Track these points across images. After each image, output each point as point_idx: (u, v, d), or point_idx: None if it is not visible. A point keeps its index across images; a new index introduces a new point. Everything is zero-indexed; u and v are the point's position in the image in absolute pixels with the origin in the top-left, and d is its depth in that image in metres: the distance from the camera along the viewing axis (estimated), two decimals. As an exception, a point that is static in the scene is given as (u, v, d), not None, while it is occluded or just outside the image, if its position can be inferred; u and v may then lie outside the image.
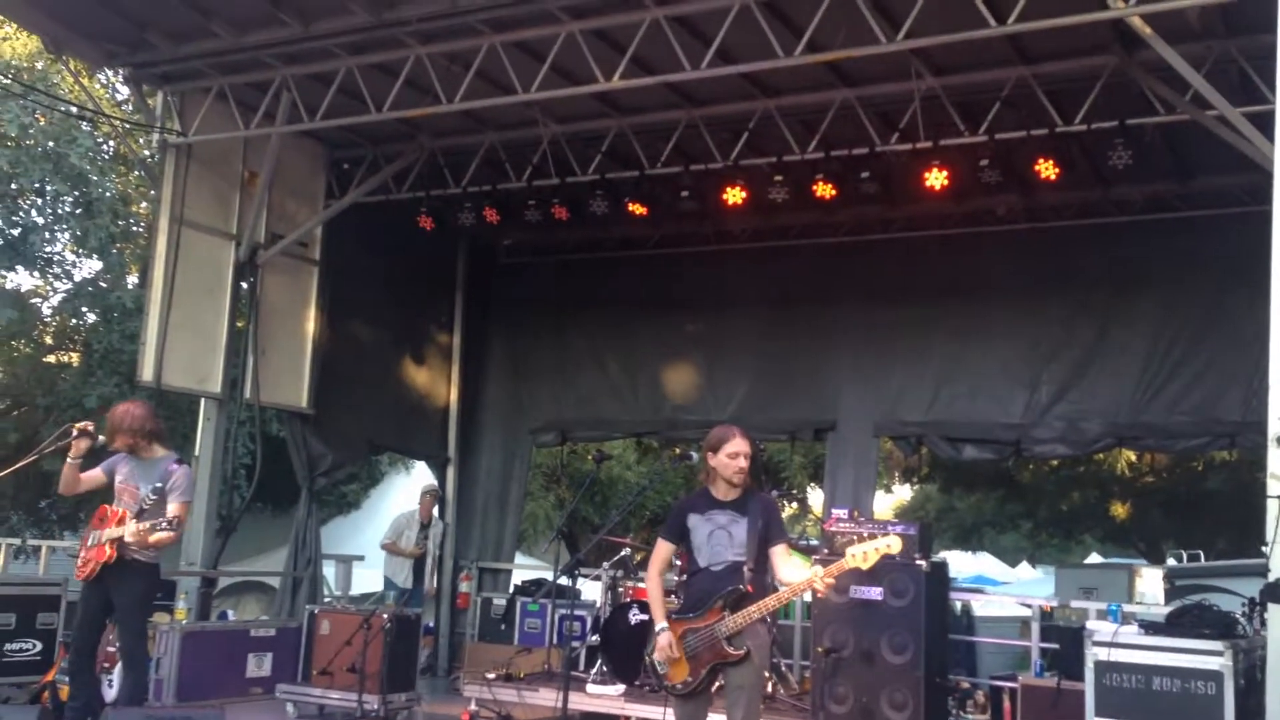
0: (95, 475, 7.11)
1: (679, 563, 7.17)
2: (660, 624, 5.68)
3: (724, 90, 9.76)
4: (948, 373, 11.48)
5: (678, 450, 14.07)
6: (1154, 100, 8.65)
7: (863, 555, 5.40)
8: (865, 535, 7.90)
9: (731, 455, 5.66)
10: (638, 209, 10.97)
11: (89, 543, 7.00)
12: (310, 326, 11.82)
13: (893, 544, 5.41)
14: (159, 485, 6.91)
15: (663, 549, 5.92)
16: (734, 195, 10.38)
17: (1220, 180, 10.07)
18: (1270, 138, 6.50)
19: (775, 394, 12.28)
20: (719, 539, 5.65)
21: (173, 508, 6.83)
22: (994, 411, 11.24)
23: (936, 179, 9.45)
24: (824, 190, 9.93)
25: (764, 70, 8.92)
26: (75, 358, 18.33)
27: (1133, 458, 21.33)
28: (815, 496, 26.46)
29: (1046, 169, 9.12)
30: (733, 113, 10.17)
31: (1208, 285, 10.40)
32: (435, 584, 12.98)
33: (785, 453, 22.16)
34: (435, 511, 13.04)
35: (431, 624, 12.62)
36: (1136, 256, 10.80)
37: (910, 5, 7.65)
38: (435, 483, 13.59)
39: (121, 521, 6.85)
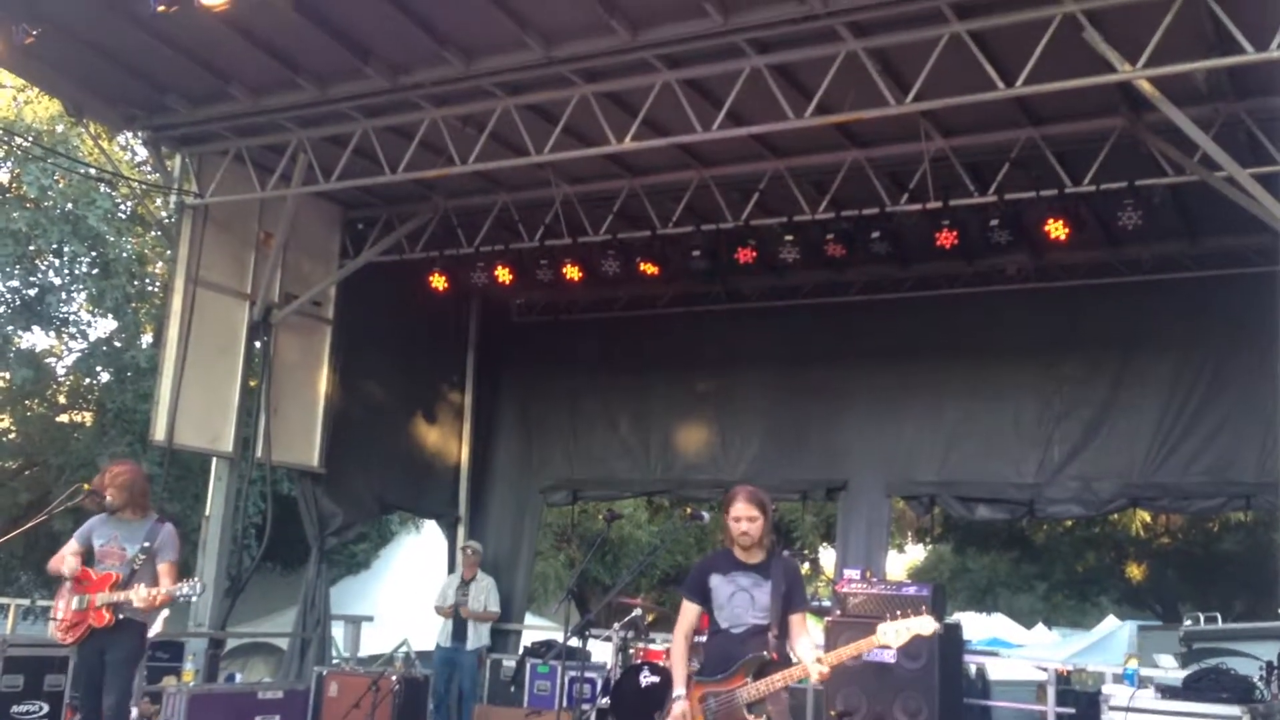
0: (74, 549, 7.04)
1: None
2: (679, 690, 5.58)
3: (735, 151, 9.84)
4: (960, 432, 11.45)
5: (689, 510, 13.98)
6: (1163, 161, 8.70)
7: (894, 634, 5.20)
8: (879, 595, 7.84)
9: (734, 519, 5.61)
10: (649, 268, 11.01)
11: (73, 605, 6.90)
12: (323, 385, 11.86)
13: (925, 626, 5.15)
14: (147, 545, 6.91)
15: (689, 612, 5.78)
16: (745, 255, 10.42)
17: (1230, 240, 10.09)
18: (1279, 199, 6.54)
19: (786, 453, 12.25)
20: (740, 601, 5.57)
21: (163, 568, 6.88)
22: (1007, 471, 11.19)
23: (947, 239, 9.48)
24: (835, 250, 9.98)
25: (774, 131, 9.02)
26: (88, 417, 18.38)
27: (1148, 518, 21.19)
28: (827, 556, 26.29)
29: (1056, 229, 9.15)
30: (744, 173, 10.25)
31: (1219, 345, 10.39)
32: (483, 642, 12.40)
33: (797, 512, 22.00)
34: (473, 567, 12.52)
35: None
36: (1147, 316, 10.80)
37: (919, 68, 7.74)
38: (477, 542, 13.11)
39: (115, 586, 6.83)
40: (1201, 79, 7.72)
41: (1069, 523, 21.10)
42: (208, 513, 10.93)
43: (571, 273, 11.12)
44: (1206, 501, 10.78)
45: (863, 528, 11.70)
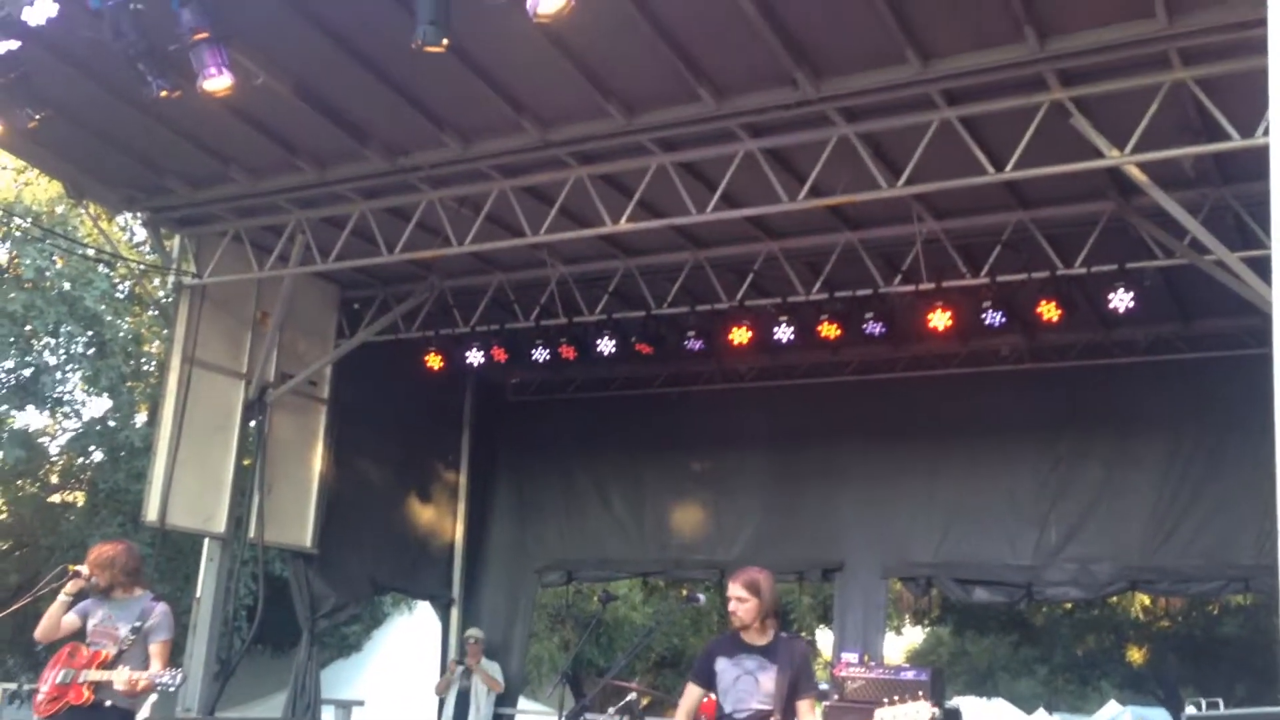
0: (72, 620, 6.97)
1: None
2: None
3: (729, 232, 9.94)
4: (956, 513, 11.42)
5: (685, 591, 13.86)
6: (1153, 245, 8.78)
7: None
8: (877, 680, 7.74)
9: (727, 600, 5.60)
10: (644, 349, 11.04)
11: (57, 679, 6.72)
12: (317, 464, 11.81)
13: (923, 713, 5.10)
14: (138, 624, 6.80)
15: (691, 694, 5.74)
16: (740, 335, 10.45)
17: (1223, 322, 10.17)
18: (1269, 282, 6.59)
19: (782, 534, 12.18)
20: (745, 685, 5.50)
21: (155, 648, 6.74)
22: (1004, 552, 11.14)
23: (940, 320, 9.54)
24: (829, 330, 10.03)
25: (768, 214, 9.12)
26: (80, 497, 18.27)
27: (1148, 601, 21.02)
28: (824, 638, 26.00)
29: (1049, 311, 9.21)
30: (738, 254, 10.34)
31: (1215, 427, 10.42)
32: None
33: (793, 593, 21.84)
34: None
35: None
36: (1141, 397, 10.83)
37: (910, 152, 7.85)
38: (479, 630, 13.11)
39: (103, 664, 6.70)
40: (1189, 164, 7.83)
41: (1068, 605, 20.90)
42: (198, 594, 10.81)
43: (566, 352, 11.14)
44: (1205, 584, 10.72)
45: (859, 609, 11.59)
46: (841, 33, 7.14)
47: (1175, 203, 7.67)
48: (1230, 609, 20.56)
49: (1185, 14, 6.57)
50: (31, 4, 6.29)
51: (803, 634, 25.37)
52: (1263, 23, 4.61)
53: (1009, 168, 7.65)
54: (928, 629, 30.30)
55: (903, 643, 32.81)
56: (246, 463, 11.29)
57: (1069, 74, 7.18)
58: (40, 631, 6.94)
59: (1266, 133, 4.77)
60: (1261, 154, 6.48)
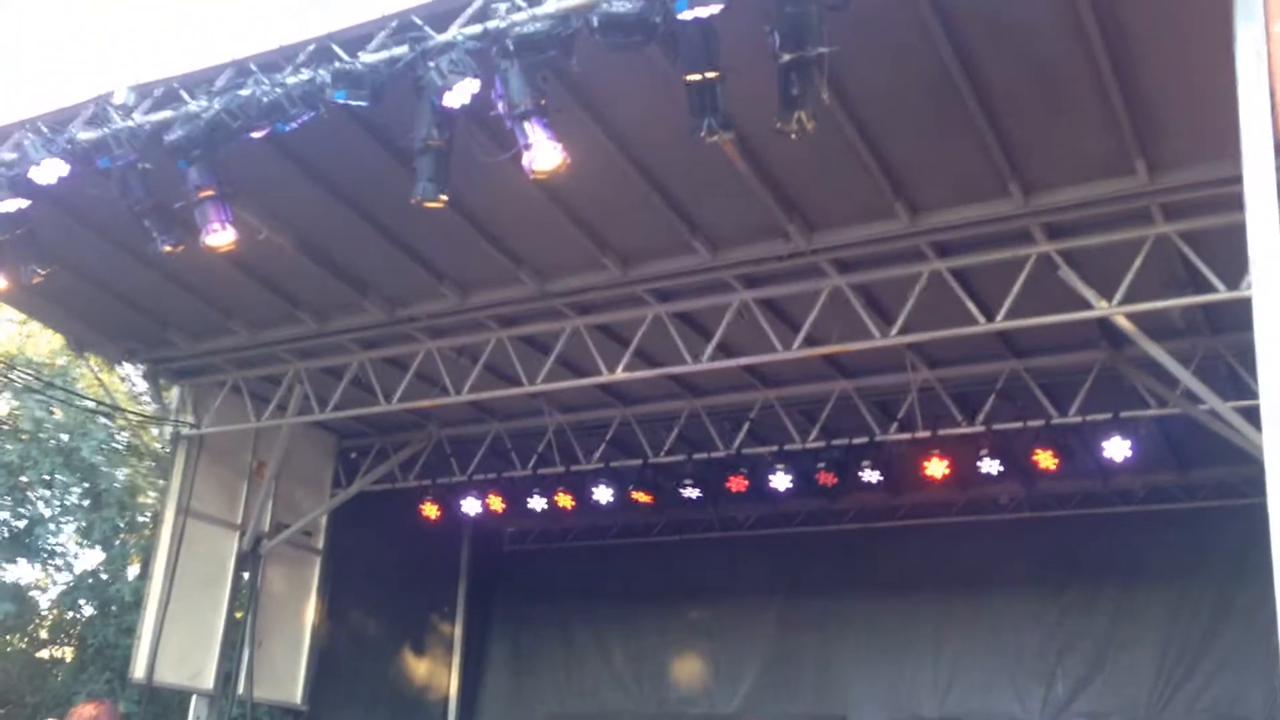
0: None
1: None
2: None
3: (725, 381, 10.00)
4: (960, 664, 11.21)
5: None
6: (1146, 394, 8.82)
7: None
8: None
9: None
10: (642, 497, 11.00)
11: None
12: (310, 617, 11.63)
13: None
14: None
15: None
16: (737, 484, 10.43)
17: (1221, 471, 10.15)
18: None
19: (782, 685, 11.94)
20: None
21: None
22: (1011, 706, 10.91)
23: (937, 468, 9.54)
24: (826, 479, 10.02)
25: (763, 363, 9.18)
26: (69, 653, 17.88)
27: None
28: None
29: (1045, 459, 9.20)
30: (734, 402, 10.38)
31: (1217, 577, 10.32)
32: None
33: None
34: None
35: None
36: (1142, 548, 10.74)
37: (902, 302, 7.95)
38: None
39: None
40: (1178, 315, 7.91)
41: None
42: (184, 753, 10.52)
43: (564, 501, 11.11)
44: (1215, 740, 10.45)
45: (864, 765, 11.29)
46: (832, 187, 7.30)
47: (1166, 353, 7.73)
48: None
49: (1165, 171, 6.74)
50: (40, 164, 6.43)
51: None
52: (1239, 179, 4.73)
53: (999, 318, 7.73)
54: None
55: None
56: (238, 615, 11.10)
57: (1055, 228, 7.32)
58: None
59: (1250, 286, 4.81)
60: (1248, 306, 6.57)
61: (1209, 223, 6.86)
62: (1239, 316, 7.17)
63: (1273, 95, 4.69)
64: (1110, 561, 10.89)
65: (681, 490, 10.80)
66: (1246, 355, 7.90)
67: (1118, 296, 7.31)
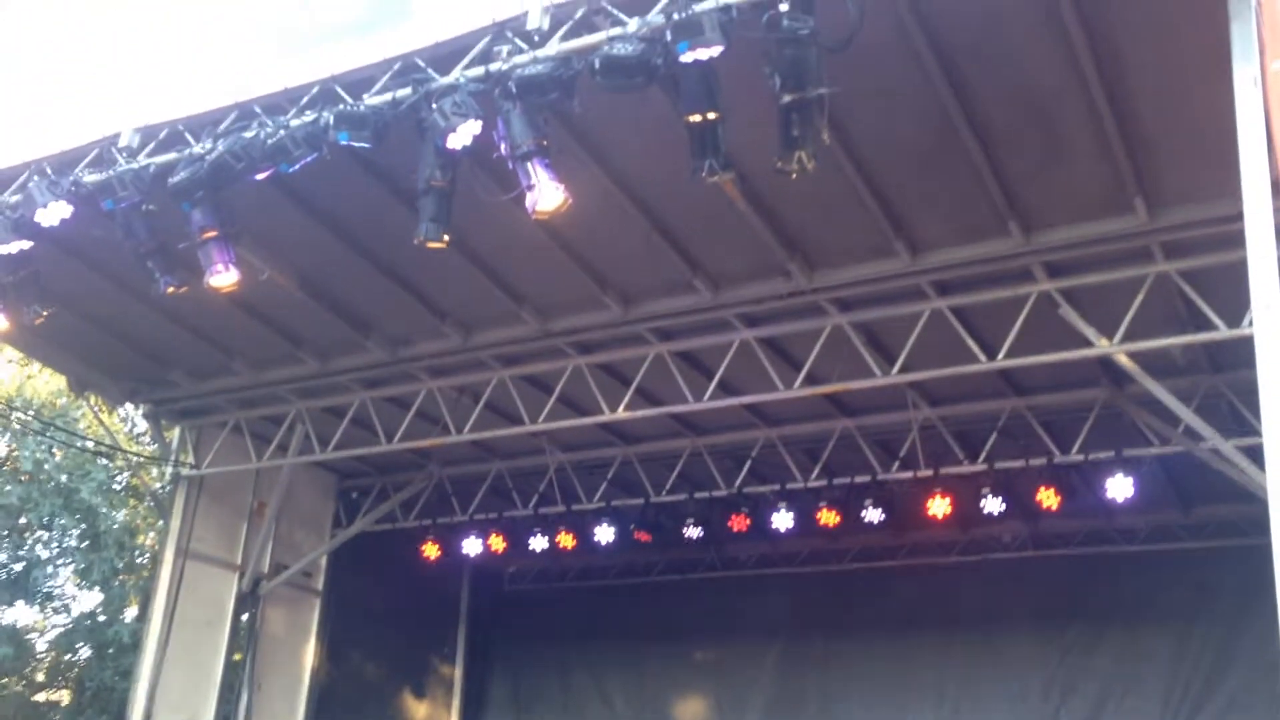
0: None
1: None
2: None
3: (727, 420, 9.99)
4: (963, 705, 11.14)
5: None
6: (1148, 432, 8.80)
7: None
8: None
9: None
10: (643, 536, 10.97)
11: None
12: (309, 659, 11.55)
13: None
14: None
15: None
16: (739, 522, 10.41)
17: (1223, 509, 10.11)
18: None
19: (787, 727, 11.83)
20: None
21: None
22: (1017, 749, 10.79)
23: (940, 507, 9.51)
24: (828, 518, 9.99)
25: (765, 401, 9.16)
26: (67, 695, 17.74)
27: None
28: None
29: (1048, 498, 9.18)
30: (736, 441, 10.37)
31: (1222, 618, 10.25)
32: None
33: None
34: None
35: None
36: (1146, 587, 10.70)
37: (903, 340, 7.95)
38: None
39: None
40: (1179, 353, 7.91)
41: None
42: (180, 799, 10.40)
43: (565, 540, 11.08)
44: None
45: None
46: (833, 226, 7.33)
47: (1167, 391, 7.72)
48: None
49: (1165, 210, 6.76)
50: (45, 206, 6.47)
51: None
52: (1239, 217, 4.75)
53: (1000, 356, 7.73)
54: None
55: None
56: (237, 657, 11.02)
57: (1055, 266, 7.34)
58: None
59: (1251, 324, 4.82)
60: (1249, 344, 6.58)
61: (1209, 261, 6.87)
62: (1240, 354, 7.19)
63: (1270, 133, 4.72)
64: (1114, 601, 10.83)
65: (683, 529, 10.76)
66: (1247, 393, 7.91)
67: (1118, 335, 7.31)
